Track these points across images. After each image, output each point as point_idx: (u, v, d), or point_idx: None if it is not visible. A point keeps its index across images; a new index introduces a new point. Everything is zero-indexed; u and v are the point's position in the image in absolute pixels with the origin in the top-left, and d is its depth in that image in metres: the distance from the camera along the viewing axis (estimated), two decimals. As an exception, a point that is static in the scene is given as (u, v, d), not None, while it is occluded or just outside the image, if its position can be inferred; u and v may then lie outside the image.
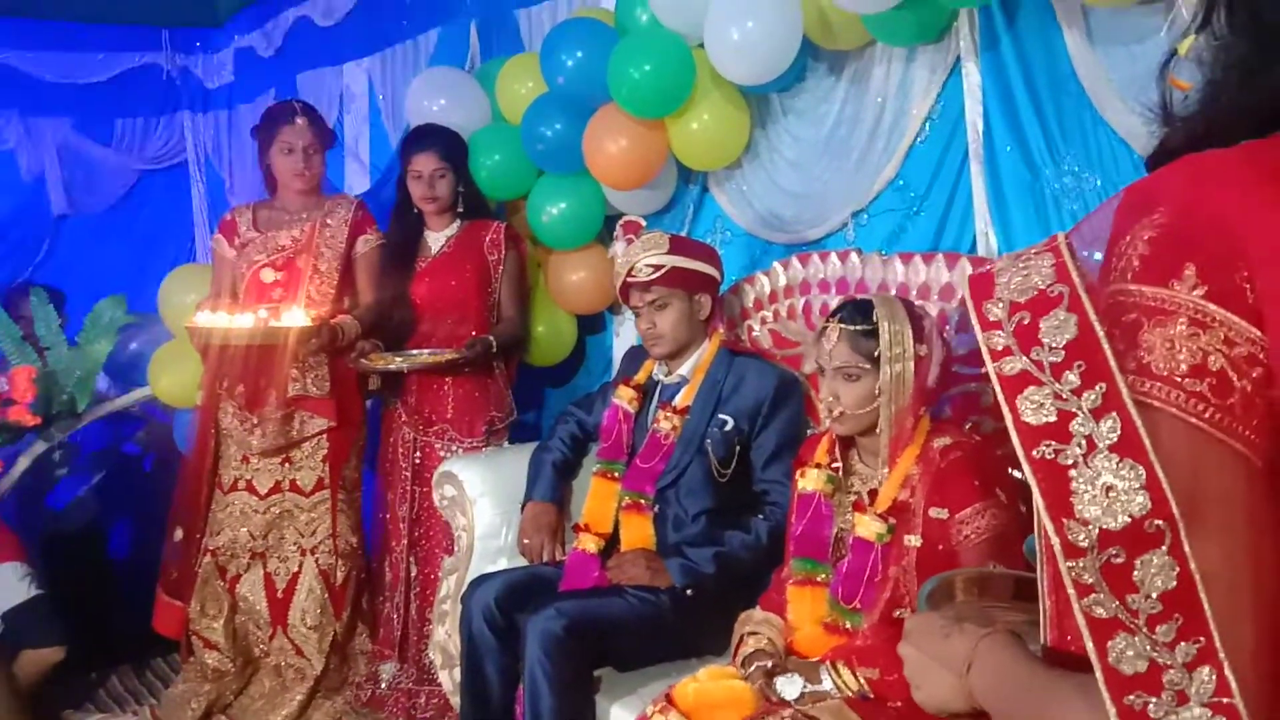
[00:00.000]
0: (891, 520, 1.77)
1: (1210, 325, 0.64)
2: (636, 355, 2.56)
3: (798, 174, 2.68)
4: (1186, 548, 0.63)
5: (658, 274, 2.30)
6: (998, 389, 0.72)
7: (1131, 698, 0.64)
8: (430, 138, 2.99)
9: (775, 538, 2.10)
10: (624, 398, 2.45)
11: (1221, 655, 0.62)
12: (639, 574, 2.21)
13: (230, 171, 5.06)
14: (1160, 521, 0.64)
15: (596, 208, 3.01)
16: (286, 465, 2.99)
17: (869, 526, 1.79)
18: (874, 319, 1.80)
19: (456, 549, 2.65)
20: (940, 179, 2.37)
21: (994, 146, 2.24)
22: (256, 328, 2.80)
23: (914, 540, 1.71)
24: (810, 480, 1.92)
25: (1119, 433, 0.66)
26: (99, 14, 4.71)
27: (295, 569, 2.99)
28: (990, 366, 0.73)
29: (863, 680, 1.67)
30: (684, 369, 2.39)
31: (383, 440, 3.11)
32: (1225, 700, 0.62)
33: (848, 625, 1.80)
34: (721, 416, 2.29)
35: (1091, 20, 2.03)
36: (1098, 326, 0.69)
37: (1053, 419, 0.68)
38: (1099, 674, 0.65)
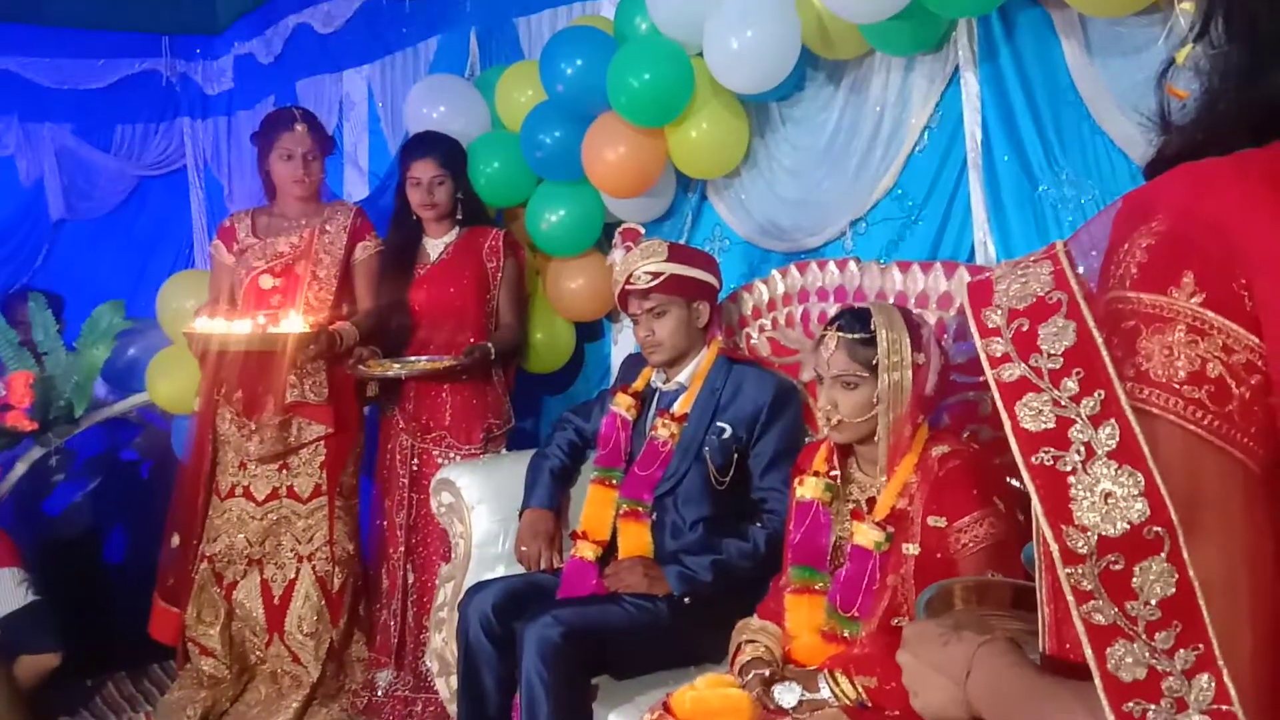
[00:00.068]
0: (890, 528, 1.77)
1: (1208, 332, 0.65)
2: (635, 363, 2.56)
3: (796, 182, 2.68)
4: (1185, 554, 0.63)
5: (656, 281, 2.31)
6: (996, 395, 0.72)
7: (1130, 704, 0.64)
8: (429, 145, 2.99)
9: (773, 546, 2.10)
10: (622, 405, 2.45)
11: (1220, 662, 0.62)
12: (636, 582, 2.21)
13: (229, 178, 5.06)
14: (1159, 528, 0.64)
15: (595, 215, 3.01)
16: (284, 471, 2.98)
17: (867, 535, 1.79)
18: (872, 327, 1.80)
19: (454, 556, 2.64)
20: (938, 188, 2.38)
21: (992, 156, 2.24)
22: (255, 334, 2.81)
23: (912, 548, 1.71)
24: (808, 488, 1.91)
25: (1118, 439, 0.66)
26: (99, 20, 4.72)
27: (292, 575, 2.99)
28: (989, 373, 0.73)
29: (861, 689, 1.67)
30: (682, 376, 2.39)
31: (380, 447, 3.11)
32: (1224, 707, 0.62)
33: (846, 633, 1.79)
34: (720, 424, 2.29)
35: (1089, 30, 2.04)
36: (1096, 333, 0.69)
37: (1051, 425, 0.69)
38: (1098, 681, 0.65)
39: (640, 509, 2.31)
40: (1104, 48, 2.01)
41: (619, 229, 2.54)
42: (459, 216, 3.06)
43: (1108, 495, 0.65)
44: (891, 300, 2.22)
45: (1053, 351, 0.70)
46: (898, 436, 1.79)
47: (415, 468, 3.01)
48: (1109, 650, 0.65)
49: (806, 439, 2.29)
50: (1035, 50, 2.15)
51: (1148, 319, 0.66)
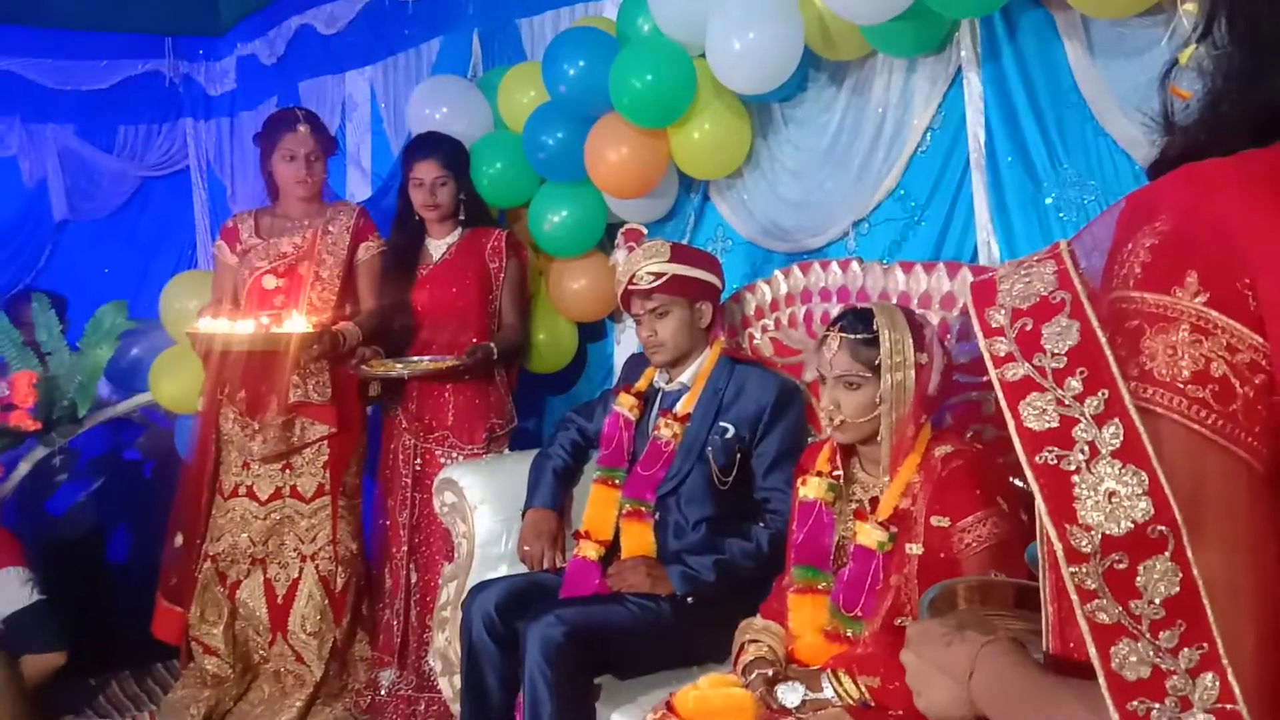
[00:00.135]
0: (893, 528, 1.77)
1: (1212, 332, 0.65)
2: (637, 363, 2.56)
3: (799, 183, 2.68)
4: (1189, 553, 0.63)
5: (659, 282, 2.31)
6: (1000, 395, 0.72)
7: (1135, 703, 0.64)
8: (432, 145, 3.00)
9: (776, 545, 2.10)
10: (625, 405, 2.45)
11: (1225, 661, 0.62)
12: (639, 581, 2.21)
13: (232, 178, 5.06)
14: (1163, 527, 0.64)
15: (598, 216, 3.01)
16: (287, 471, 2.99)
17: (870, 534, 1.79)
18: (875, 327, 1.80)
19: (457, 556, 2.65)
20: (941, 189, 2.38)
21: (995, 157, 2.24)
22: (258, 334, 2.81)
23: (915, 548, 1.71)
24: (811, 488, 1.92)
25: (1121, 439, 0.66)
26: (102, 21, 4.72)
27: (295, 575, 2.99)
28: (993, 372, 0.73)
29: (864, 688, 1.67)
30: (685, 376, 2.39)
31: (383, 447, 3.11)
32: (1228, 706, 0.62)
33: (849, 633, 1.80)
34: (722, 424, 2.29)
35: (1092, 31, 2.04)
36: (1100, 333, 0.69)
37: (1055, 425, 0.69)
38: (1102, 680, 0.65)
39: (643, 509, 2.31)
40: (1106, 49, 2.01)
41: (621, 229, 2.54)
42: (461, 217, 3.06)
43: (1112, 494, 0.66)
44: (894, 301, 2.22)
45: (1056, 351, 0.71)
46: (900, 436, 1.79)
47: (418, 467, 3.01)
48: (1113, 649, 0.65)
49: (809, 439, 2.29)
50: (1038, 51, 2.15)
51: (1151, 319, 0.66)
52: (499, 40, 3.51)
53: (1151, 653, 0.64)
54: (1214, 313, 0.65)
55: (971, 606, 1.10)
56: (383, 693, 3.02)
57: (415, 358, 2.97)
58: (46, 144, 4.78)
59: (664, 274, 2.31)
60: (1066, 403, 0.69)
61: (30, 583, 3.04)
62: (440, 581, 2.73)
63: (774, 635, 1.89)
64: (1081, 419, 0.68)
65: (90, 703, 3.28)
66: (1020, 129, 2.19)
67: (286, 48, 4.62)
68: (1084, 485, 0.67)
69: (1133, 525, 0.65)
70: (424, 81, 3.58)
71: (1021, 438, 0.70)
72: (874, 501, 1.84)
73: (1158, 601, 0.64)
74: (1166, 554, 0.64)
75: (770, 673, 1.80)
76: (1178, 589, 0.63)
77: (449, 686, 2.59)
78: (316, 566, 2.99)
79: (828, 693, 1.69)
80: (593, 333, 3.37)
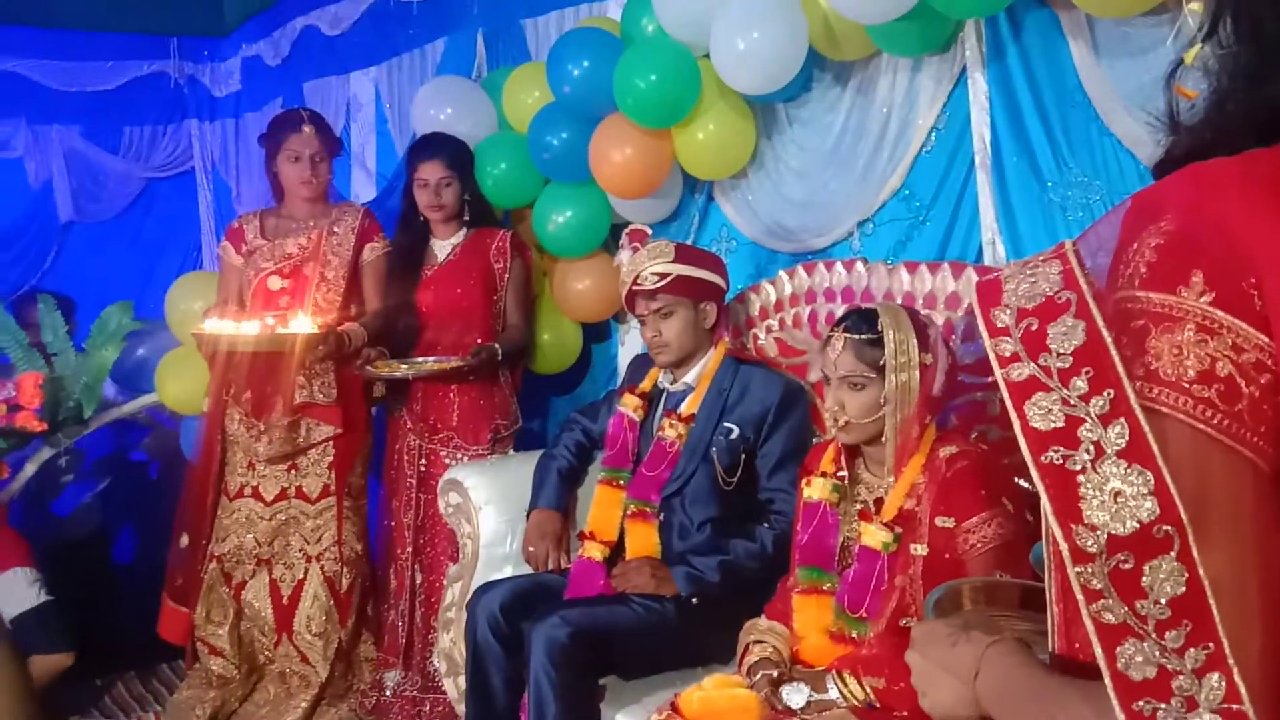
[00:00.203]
0: (898, 529, 1.77)
1: (1218, 331, 0.64)
2: (642, 363, 2.56)
3: (803, 183, 2.68)
4: (1195, 553, 0.63)
5: (663, 282, 2.31)
6: (1005, 395, 0.72)
7: (1140, 704, 0.64)
8: (436, 146, 3.00)
9: (781, 546, 2.10)
10: (629, 406, 2.45)
11: (1231, 661, 0.62)
12: (644, 582, 2.21)
13: (237, 179, 5.08)
14: (1169, 527, 0.64)
15: (602, 216, 3.01)
16: (292, 472, 2.99)
17: (875, 535, 1.79)
18: (879, 328, 1.80)
19: (461, 556, 2.65)
20: (946, 189, 2.38)
21: (1000, 156, 2.24)
22: (263, 335, 2.81)
23: (920, 549, 1.71)
24: (816, 489, 1.92)
25: (1127, 438, 0.66)
26: (107, 22, 4.74)
27: (300, 576, 2.99)
28: (998, 372, 0.73)
29: (869, 689, 1.67)
30: (689, 377, 2.39)
31: (388, 447, 3.11)
32: (1234, 706, 0.62)
33: (854, 634, 1.79)
34: (727, 425, 2.29)
35: (1097, 31, 2.03)
36: (1106, 333, 0.69)
37: (1061, 424, 0.69)
38: (1108, 680, 0.65)
39: (648, 509, 2.31)
40: (1111, 48, 2.01)
41: (626, 230, 2.55)
42: (466, 218, 3.06)
43: (1117, 494, 0.65)
44: (899, 301, 2.21)
45: (1062, 351, 0.70)
46: (905, 437, 1.79)
47: (423, 468, 3.01)
48: (1119, 649, 0.65)
49: (814, 440, 2.29)
50: (1043, 51, 2.15)
51: (1157, 318, 0.66)
52: (503, 41, 3.51)
53: (1157, 653, 0.64)
54: (1219, 312, 0.64)
55: (977, 607, 1.09)
56: (388, 693, 3.02)
57: (420, 358, 2.97)
58: (52, 145, 4.80)
59: (668, 274, 2.31)
60: (1072, 402, 0.69)
61: (37, 583, 3.05)
62: (445, 582, 2.73)
63: (779, 636, 1.89)
64: (1087, 419, 0.68)
65: (96, 703, 3.28)
66: (1025, 128, 2.19)
67: (291, 49, 4.63)
68: (1089, 485, 0.67)
69: (1138, 525, 0.64)
70: (429, 82, 3.58)
71: (1027, 437, 0.70)
72: (879, 502, 1.84)
73: (1163, 601, 0.64)
74: (1172, 554, 0.64)
75: (775, 674, 1.80)
76: (1183, 589, 0.63)
77: (454, 687, 2.59)
78: (322, 567, 3.00)
79: (833, 694, 1.69)
80: (597, 333, 3.37)
